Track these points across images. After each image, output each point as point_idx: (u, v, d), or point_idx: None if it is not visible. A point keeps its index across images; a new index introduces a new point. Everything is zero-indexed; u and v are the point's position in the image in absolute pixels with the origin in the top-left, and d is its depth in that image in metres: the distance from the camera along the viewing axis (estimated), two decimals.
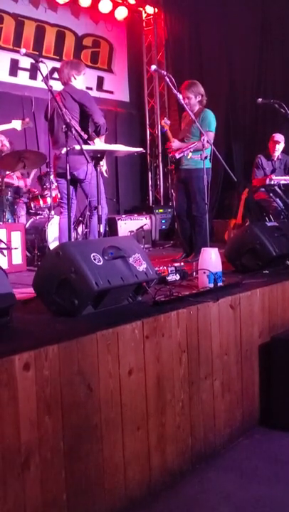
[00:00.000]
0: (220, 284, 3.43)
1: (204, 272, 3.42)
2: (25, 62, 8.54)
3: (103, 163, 5.04)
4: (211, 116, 5.71)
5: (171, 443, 2.81)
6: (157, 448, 2.72)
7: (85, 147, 4.26)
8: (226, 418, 3.24)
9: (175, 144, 5.74)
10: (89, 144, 4.97)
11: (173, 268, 3.81)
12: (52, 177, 6.41)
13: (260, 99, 5.60)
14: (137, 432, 2.60)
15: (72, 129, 4.19)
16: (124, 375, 2.54)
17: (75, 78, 5.15)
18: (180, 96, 4.97)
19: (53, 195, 6.58)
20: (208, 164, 5.07)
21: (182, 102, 5.13)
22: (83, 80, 5.28)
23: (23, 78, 8.81)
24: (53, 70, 8.86)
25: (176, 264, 3.92)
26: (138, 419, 2.61)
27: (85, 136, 5.02)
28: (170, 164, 6.78)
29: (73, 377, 2.29)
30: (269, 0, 8.81)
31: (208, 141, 4.74)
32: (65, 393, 2.24)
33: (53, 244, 6.00)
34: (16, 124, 5.69)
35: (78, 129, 4.99)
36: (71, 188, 5.05)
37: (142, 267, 3.06)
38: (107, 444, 2.43)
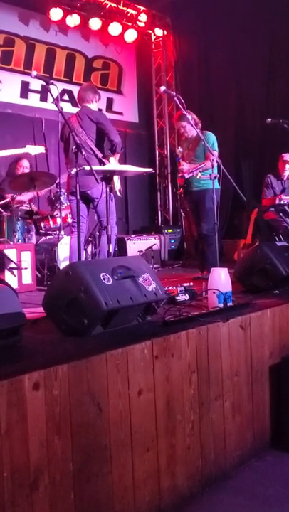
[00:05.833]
0: (230, 304, 3.41)
1: (214, 292, 3.40)
2: (36, 84, 8.65)
3: (117, 182, 5.12)
4: (212, 137, 5.86)
5: (181, 465, 2.77)
6: (167, 470, 2.69)
7: (95, 167, 4.31)
8: (237, 440, 3.20)
9: (185, 166, 5.85)
10: (104, 163, 5.08)
11: (182, 288, 3.81)
12: (62, 197, 6.47)
13: (269, 120, 5.65)
14: (147, 453, 2.57)
15: (83, 150, 4.25)
16: (133, 396, 2.52)
17: (92, 102, 5.43)
18: (190, 116, 5.03)
19: (63, 215, 6.61)
20: (217, 185, 5.13)
21: (192, 122, 5.20)
22: (97, 104, 5.59)
23: (33, 100, 8.91)
24: (63, 92, 9.03)
25: (186, 284, 3.92)
26: (147, 440, 2.58)
27: (100, 155, 5.12)
28: (178, 188, 6.85)
29: (83, 397, 2.27)
30: (277, 20, 8.88)
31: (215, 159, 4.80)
32: (74, 413, 2.22)
33: (62, 263, 6.01)
34: (31, 149, 5.75)
35: (94, 148, 5.12)
36: (84, 206, 5.14)
37: (152, 286, 3.05)
38: (117, 466, 2.41)
